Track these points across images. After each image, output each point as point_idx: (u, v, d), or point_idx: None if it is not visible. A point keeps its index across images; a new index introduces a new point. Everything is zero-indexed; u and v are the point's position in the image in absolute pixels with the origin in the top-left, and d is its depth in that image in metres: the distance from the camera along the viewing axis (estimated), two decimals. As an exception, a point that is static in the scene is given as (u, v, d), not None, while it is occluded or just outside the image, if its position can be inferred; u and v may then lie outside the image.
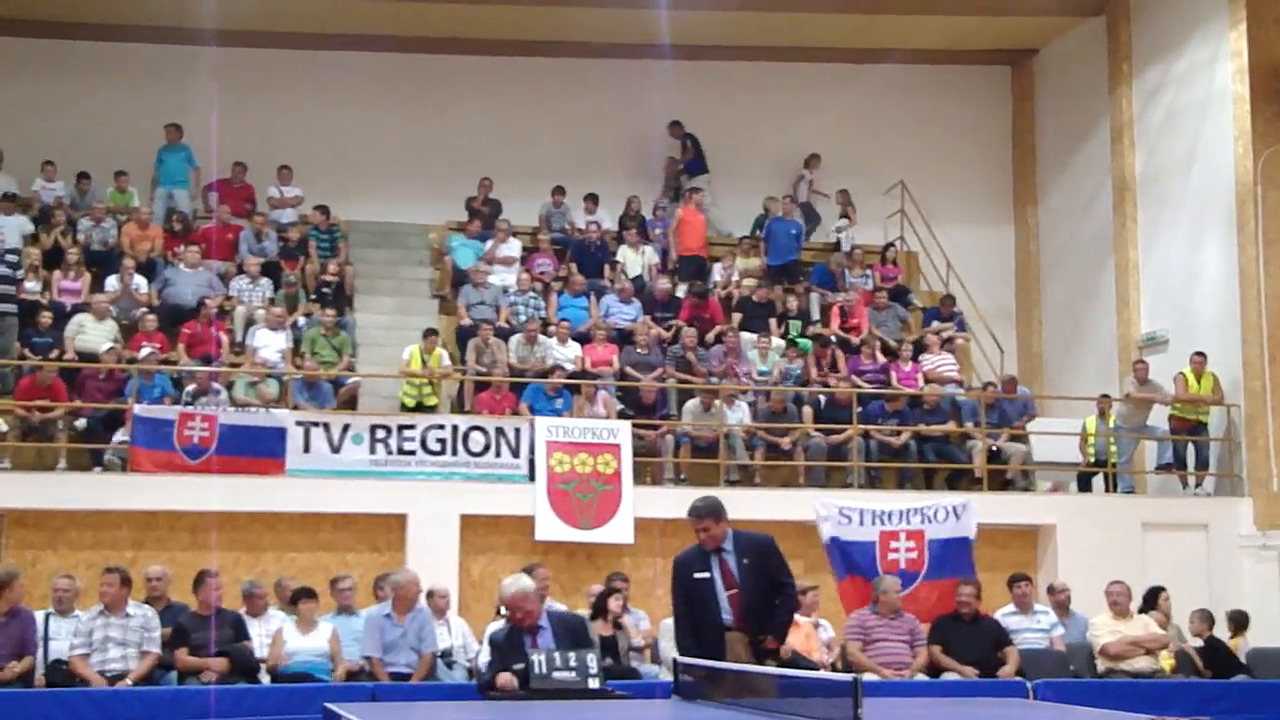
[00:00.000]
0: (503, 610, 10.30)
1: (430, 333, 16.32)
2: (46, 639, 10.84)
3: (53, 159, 18.30)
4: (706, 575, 8.51)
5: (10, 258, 16.08)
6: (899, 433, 16.33)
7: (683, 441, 15.91)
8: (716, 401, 15.96)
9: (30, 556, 13.43)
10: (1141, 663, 12.28)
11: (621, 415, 15.89)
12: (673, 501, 15.06)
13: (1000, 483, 16.55)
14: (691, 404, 16.12)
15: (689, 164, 20.04)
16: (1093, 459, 16.66)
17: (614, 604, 12.11)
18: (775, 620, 8.54)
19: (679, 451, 15.89)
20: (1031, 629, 12.51)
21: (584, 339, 17.06)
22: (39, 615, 11.01)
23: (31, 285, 16.21)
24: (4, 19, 18.81)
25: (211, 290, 16.73)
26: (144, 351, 15.30)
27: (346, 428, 14.83)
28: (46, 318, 15.68)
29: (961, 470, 16.50)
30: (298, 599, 11.61)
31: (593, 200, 19.53)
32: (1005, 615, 12.61)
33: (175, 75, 19.13)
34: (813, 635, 12.33)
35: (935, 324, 18.61)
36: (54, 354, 15.34)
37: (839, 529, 12.85)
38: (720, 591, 8.46)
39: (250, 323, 16.55)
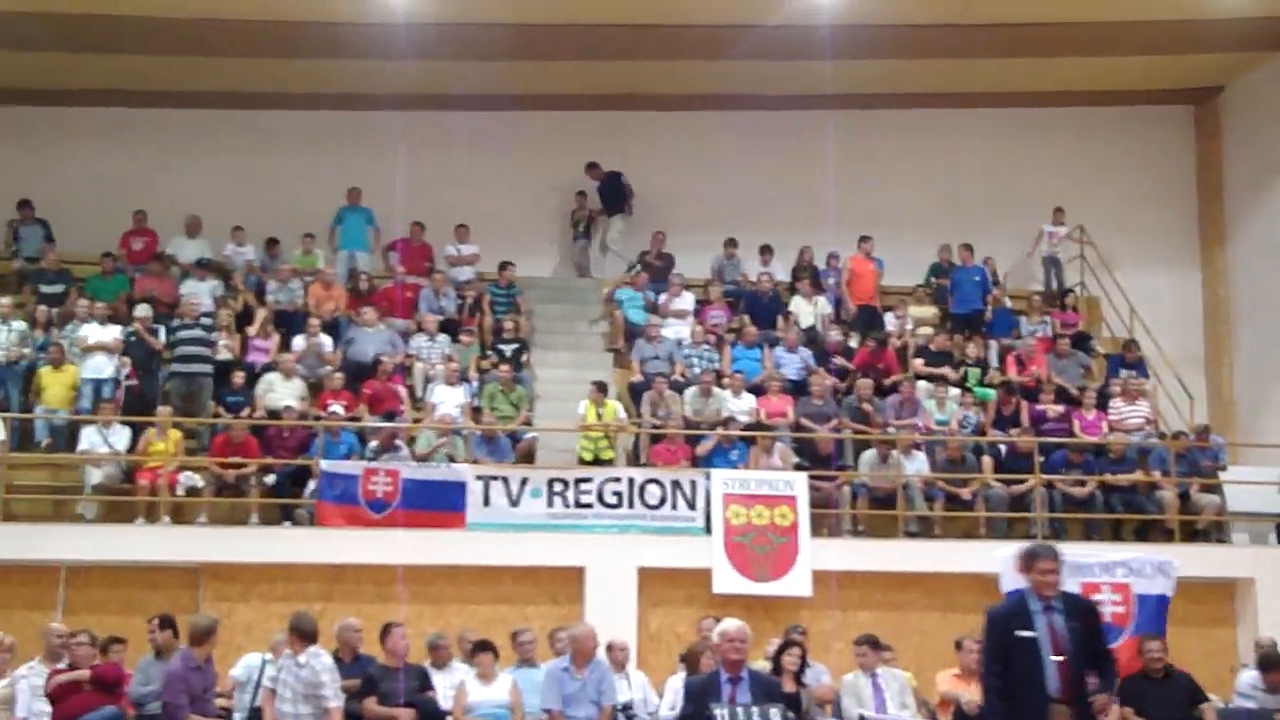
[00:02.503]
0: (707, 656, 10.10)
1: (599, 386, 16.46)
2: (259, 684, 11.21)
3: (242, 224, 19.03)
4: (1031, 635, 7.68)
5: (205, 320, 16.72)
6: (1083, 483, 15.89)
7: (860, 493, 15.73)
8: (894, 452, 15.76)
9: (225, 608, 13.84)
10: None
11: (797, 467, 15.78)
12: (850, 553, 15.01)
13: (1191, 534, 15.96)
14: (868, 455, 15.94)
15: None
16: (1292, 509, 15.97)
17: (791, 658, 11.94)
18: (1104, 683, 7.73)
19: (856, 503, 15.71)
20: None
21: (758, 391, 17.01)
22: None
23: (225, 346, 16.80)
24: (197, 93, 19.69)
25: (393, 348, 17.14)
26: (332, 408, 15.75)
27: (525, 482, 15.03)
28: (239, 377, 16.23)
29: (1150, 521, 15.95)
30: (478, 651, 11.76)
31: (766, 251, 19.53)
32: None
33: (355, 140, 19.85)
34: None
35: (1122, 372, 18.05)
36: (245, 412, 15.86)
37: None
38: (1046, 656, 7.65)
39: (429, 379, 16.90)
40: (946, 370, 17.59)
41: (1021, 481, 15.84)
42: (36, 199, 18.84)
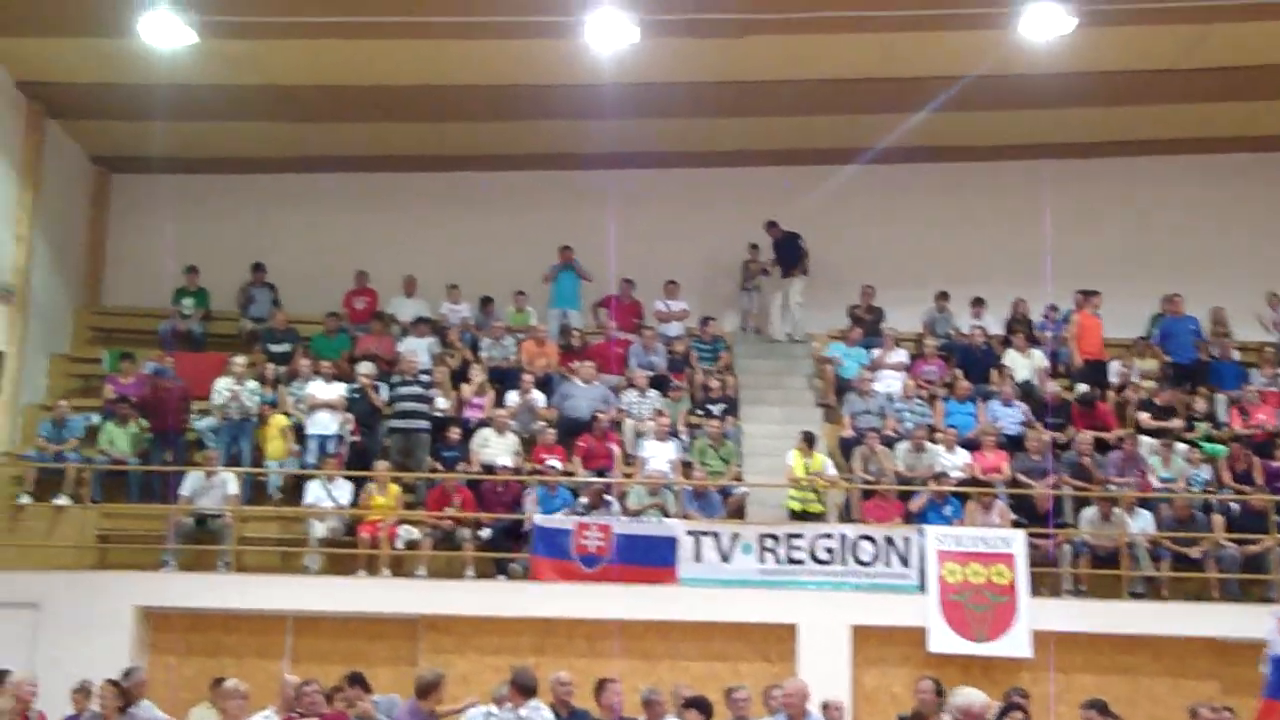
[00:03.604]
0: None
1: (806, 436, 16.33)
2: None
3: (458, 283, 19.54)
4: None
5: (423, 377, 17.17)
6: (1324, 543, 15.10)
7: (1081, 551, 15.25)
8: (1116, 509, 15.24)
9: (442, 660, 14.09)
10: None
11: (1014, 524, 15.38)
12: (1073, 614, 14.57)
13: None
14: (1089, 512, 15.45)
15: None
16: None
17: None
18: None
19: (1077, 561, 15.22)
20: None
21: (972, 445, 16.66)
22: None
23: (441, 402, 17.22)
24: (415, 157, 20.37)
25: (604, 404, 17.33)
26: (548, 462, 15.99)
27: (736, 537, 15.01)
28: (455, 433, 16.60)
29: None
30: (690, 708, 11.67)
31: (979, 304, 19.18)
32: None
33: (565, 198, 20.25)
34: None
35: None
36: (461, 467, 16.19)
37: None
38: None
39: (640, 434, 17.02)
40: (1174, 423, 16.95)
41: (1256, 541, 15.13)
42: (267, 261, 19.69)
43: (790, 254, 19.63)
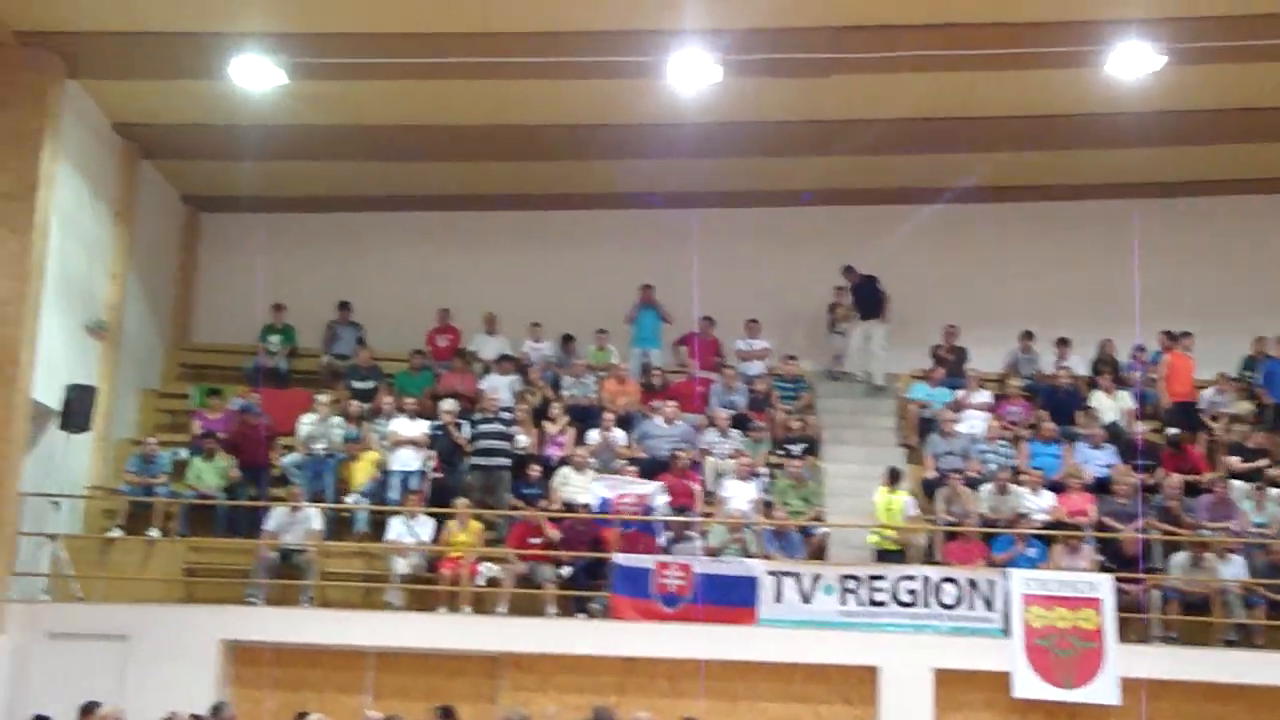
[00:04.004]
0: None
1: (891, 472, 16.21)
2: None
3: (540, 321, 19.64)
4: None
5: (505, 414, 17.26)
6: None
7: (1171, 597, 14.97)
8: (1208, 554, 14.96)
9: (523, 698, 14.14)
10: None
11: (1101, 568, 15.15)
12: (1163, 661, 14.31)
13: None
14: (1179, 557, 15.18)
15: None
16: None
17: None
18: None
19: (1167, 608, 14.93)
20: None
21: (1057, 488, 16.44)
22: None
23: (522, 439, 17.29)
24: (497, 195, 20.58)
25: (685, 443, 17.30)
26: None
27: (817, 578, 14.92)
28: (535, 470, 16.66)
29: None
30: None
31: (1063, 344, 18.95)
32: None
33: (645, 237, 20.34)
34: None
35: None
36: (541, 504, 16.23)
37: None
38: None
39: (721, 474, 16.97)
40: (1266, 465, 16.63)
41: (1358, 589, 14.81)
42: (350, 298, 19.92)
43: (870, 298, 19.47)
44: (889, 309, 19.49)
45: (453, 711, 11.66)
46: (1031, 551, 15.45)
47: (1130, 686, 14.06)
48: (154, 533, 16.15)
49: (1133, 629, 14.78)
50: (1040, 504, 16.10)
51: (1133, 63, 15.44)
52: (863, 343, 19.48)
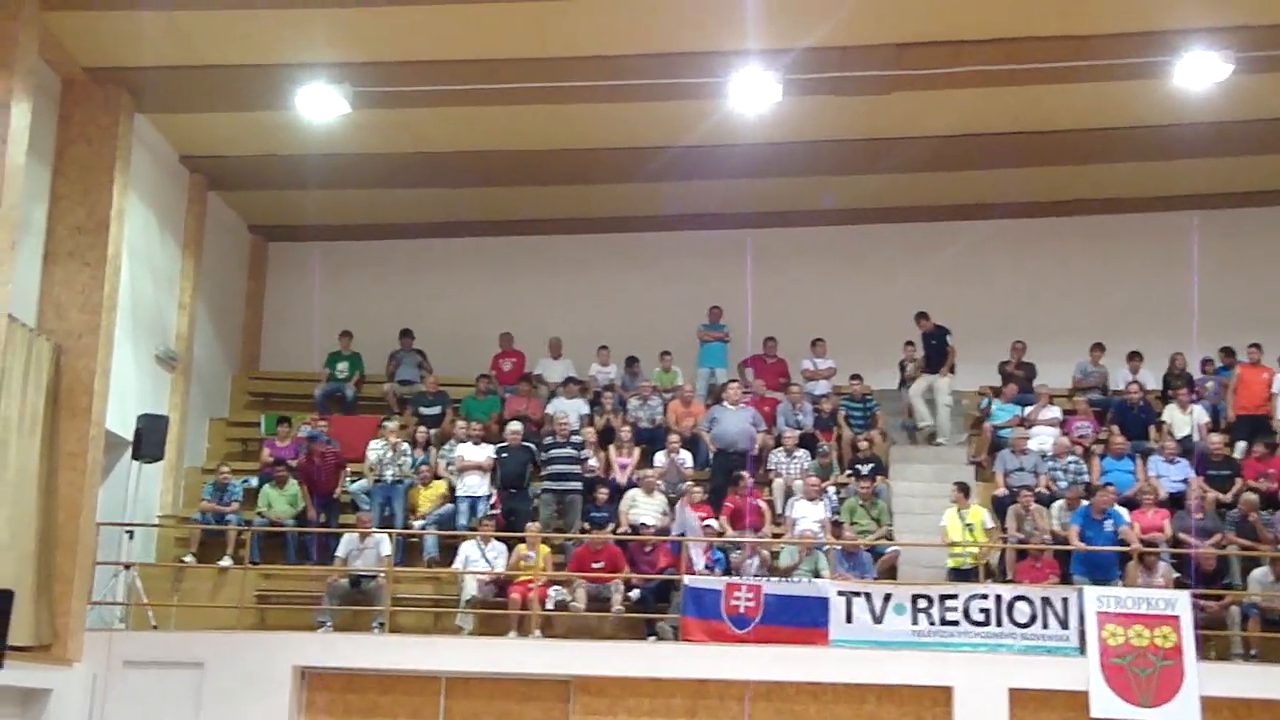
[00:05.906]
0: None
1: (961, 487, 16.07)
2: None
3: (606, 343, 19.66)
4: None
5: (575, 438, 17.27)
6: None
7: (1251, 613, 14.71)
8: (1288, 570, 14.69)
9: (594, 722, 14.12)
10: None
11: (1178, 584, 14.92)
12: (1244, 679, 14.06)
13: None
14: (1259, 573, 14.92)
15: None
16: None
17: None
18: None
19: (1247, 624, 14.68)
20: None
21: (1130, 504, 16.22)
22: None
23: (592, 463, 17.29)
24: (558, 219, 20.68)
25: (754, 426, 17.31)
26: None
27: (888, 598, 14.78)
28: (603, 493, 16.66)
29: None
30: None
31: (1135, 358, 18.71)
32: None
33: (710, 258, 20.35)
34: None
35: None
36: (610, 528, 16.20)
37: None
38: None
39: (789, 494, 16.88)
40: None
41: None
42: (415, 324, 20.03)
43: (938, 350, 18.92)
44: (954, 363, 18.95)
45: None
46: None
47: (1211, 705, 13.82)
48: (226, 560, 16.30)
49: (1213, 646, 14.54)
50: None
51: (1200, 73, 15.23)
52: (925, 394, 18.91)
